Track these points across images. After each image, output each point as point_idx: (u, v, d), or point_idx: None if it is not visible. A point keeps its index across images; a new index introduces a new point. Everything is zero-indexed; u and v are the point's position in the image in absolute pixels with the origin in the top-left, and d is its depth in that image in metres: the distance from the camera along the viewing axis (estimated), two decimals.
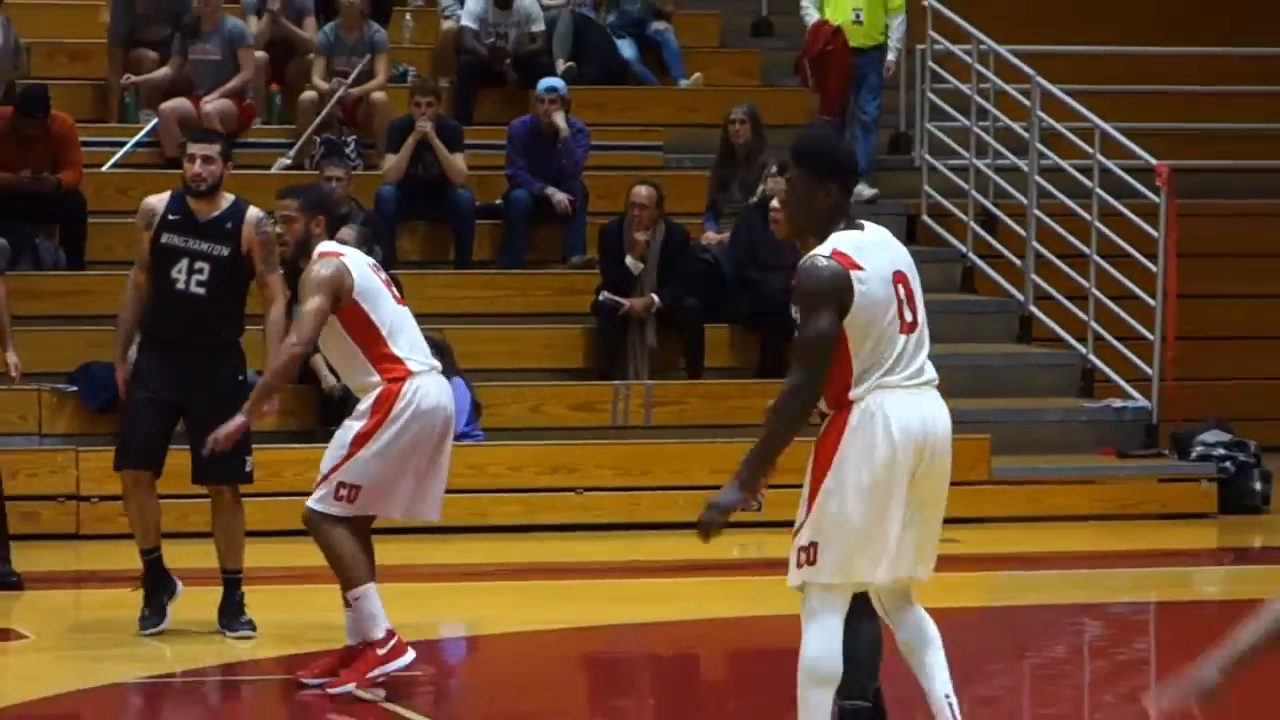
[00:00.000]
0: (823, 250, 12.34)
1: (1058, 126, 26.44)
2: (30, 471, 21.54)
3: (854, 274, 12.44)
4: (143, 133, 26.18)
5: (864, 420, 12.51)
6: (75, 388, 23.00)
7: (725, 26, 30.10)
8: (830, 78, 25.98)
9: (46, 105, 24.65)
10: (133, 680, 16.95)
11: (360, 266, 15.45)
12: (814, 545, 12.85)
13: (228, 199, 17.28)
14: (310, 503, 15.35)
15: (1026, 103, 26.56)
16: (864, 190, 26.77)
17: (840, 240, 12.45)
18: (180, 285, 17.07)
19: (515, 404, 21.81)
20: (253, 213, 17.20)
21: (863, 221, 12.41)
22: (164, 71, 26.43)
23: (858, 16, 26.04)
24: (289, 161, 26.11)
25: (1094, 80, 27.06)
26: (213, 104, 26.20)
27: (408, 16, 28.32)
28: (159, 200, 17.12)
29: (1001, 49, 27.09)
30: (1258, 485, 24.46)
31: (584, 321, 24.65)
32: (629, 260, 24.54)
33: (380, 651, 15.34)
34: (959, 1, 28.01)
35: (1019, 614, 19.71)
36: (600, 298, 24.29)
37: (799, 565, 12.87)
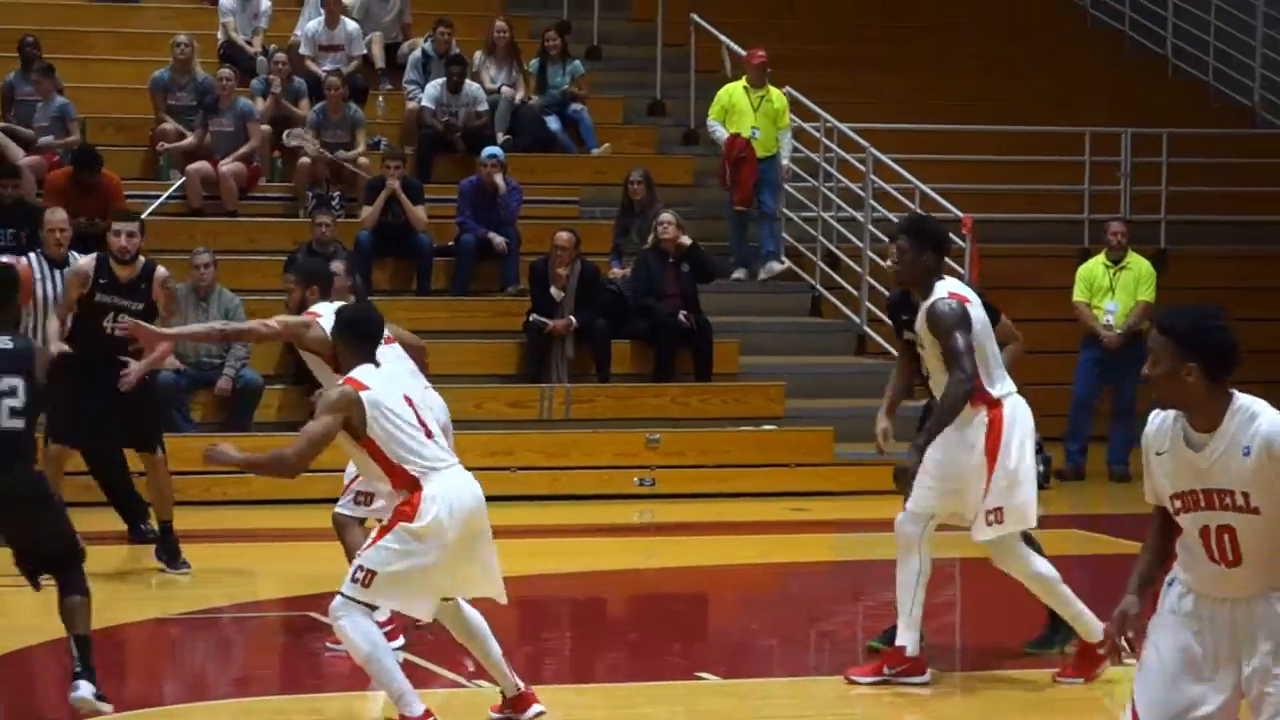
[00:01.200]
0: (943, 294, 14.06)
1: (886, 186, 26.48)
2: None
3: (968, 307, 14.29)
4: (173, 188, 26.10)
5: (1014, 412, 14.71)
6: None
7: (627, 108, 30.04)
8: (742, 178, 25.90)
9: (99, 164, 24.63)
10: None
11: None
12: (999, 509, 14.59)
13: (140, 262, 17.97)
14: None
15: (862, 168, 26.60)
16: (775, 266, 26.88)
17: (951, 285, 14.43)
18: (108, 332, 17.65)
19: (463, 402, 21.75)
20: (159, 272, 18.07)
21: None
22: (190, 140, 26.37)
23: (755, 134, 26.02)
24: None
25: (914, 151, 27.02)
26: (228, 166, 26.16)
27: (380, 99, 28.24)
28: (89, 263, 18.05)
29: (843, 126, 27.12)
30: (1040, 467, 24.56)
31: (517, 338, 24.66)
32: (553, 290, 24.58)
33: None
34: (813, 89, 28.03)
35: (857, 566, 19.75)
36: (530, 319, 24.31)
37: (989, 524, 14.61)
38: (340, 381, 13.59)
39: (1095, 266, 24.90)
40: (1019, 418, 15.04)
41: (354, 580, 12.65)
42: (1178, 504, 8.77)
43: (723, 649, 15.71)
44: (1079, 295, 24.78)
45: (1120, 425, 24.84)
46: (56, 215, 21.09)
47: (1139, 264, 25.09)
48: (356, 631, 12.60)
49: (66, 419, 18.04)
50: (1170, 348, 8.69)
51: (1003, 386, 15.00)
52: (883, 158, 26.65)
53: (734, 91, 26.57)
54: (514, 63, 28.79)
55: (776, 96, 26.66)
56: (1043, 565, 15.03)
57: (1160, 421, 8.89)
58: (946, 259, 14.84)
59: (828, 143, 27.20)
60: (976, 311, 14.50)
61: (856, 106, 27.56)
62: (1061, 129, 28.67)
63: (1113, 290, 24.77)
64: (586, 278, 25.00)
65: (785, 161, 26.72)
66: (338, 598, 12.50)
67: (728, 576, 20.50)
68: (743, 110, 26.18)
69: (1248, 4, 31.92)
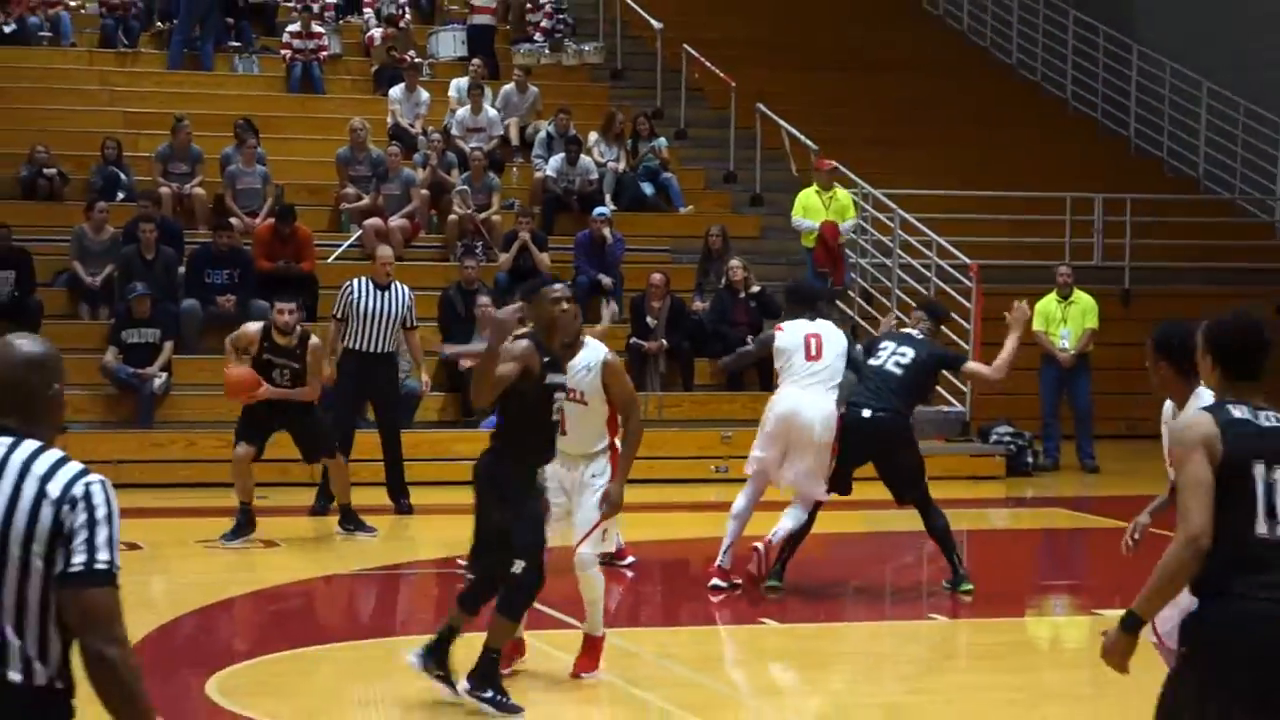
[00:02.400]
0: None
1: (910, 239, 26.39)
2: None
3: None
4: (351, 239, 26.11)
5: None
6: None
7: (707, 177, 29.94)
8: (838, 258, 25.76)
9: (294, 218, 24.66)
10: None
11: None
12: None
13: (298, 331, 18.35)
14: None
15: (890, 224, 26.53)
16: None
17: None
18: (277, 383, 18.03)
19: None
20: (313, 341, 18.53)
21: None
22: (365, 201, 26.35)
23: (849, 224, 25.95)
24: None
25: (932, 211, 26.90)
26: (395, 221, 26.13)
27: (514, 169, 28.20)
28: (255, 329, 18.42)
29: (877, 192, 27.00)
30: (1029, 458, 24.55)
31: (621, 356, 24.58)
32: (648, 319, 24.53)
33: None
34: (854, 162, 27.91)
35: (879, 537, 19.70)
36: (630, 341, 24.25)
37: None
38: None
39: (1049, 302, 24.89)
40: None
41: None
42: None
43: (780, 601, 15.62)
44: (1037, 325, 24.67)
45: (1081, 427, 24.94)
46: (384, 252, 21.47)
47: (1083, 299, 25.16)
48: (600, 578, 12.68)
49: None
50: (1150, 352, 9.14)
51: None
52: (907, 216, 26.57)
53: (808, 195, 26.22)
54: (619, 141, 28.77)
55: (842, 195, 26.32)
56: None
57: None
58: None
59: (863, 205, 27.09)
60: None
61: (887, 175, 27.43)
62: (1047, 194, 28.56)
63: (1064, 320, 24.82)
64: (674, 309, 24.96)
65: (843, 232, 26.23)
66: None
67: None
68: (816, 209, 25.88)
69: (1195, 96, 31.72)
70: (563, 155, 27.96)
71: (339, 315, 20.02)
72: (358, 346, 19.88)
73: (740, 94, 30.01)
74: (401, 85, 29.05)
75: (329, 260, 25.36)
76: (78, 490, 5.72)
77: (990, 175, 29.13)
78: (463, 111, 28.61)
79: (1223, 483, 7.01)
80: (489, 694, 11.35)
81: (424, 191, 26.80)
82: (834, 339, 16.03)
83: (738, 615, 16.22)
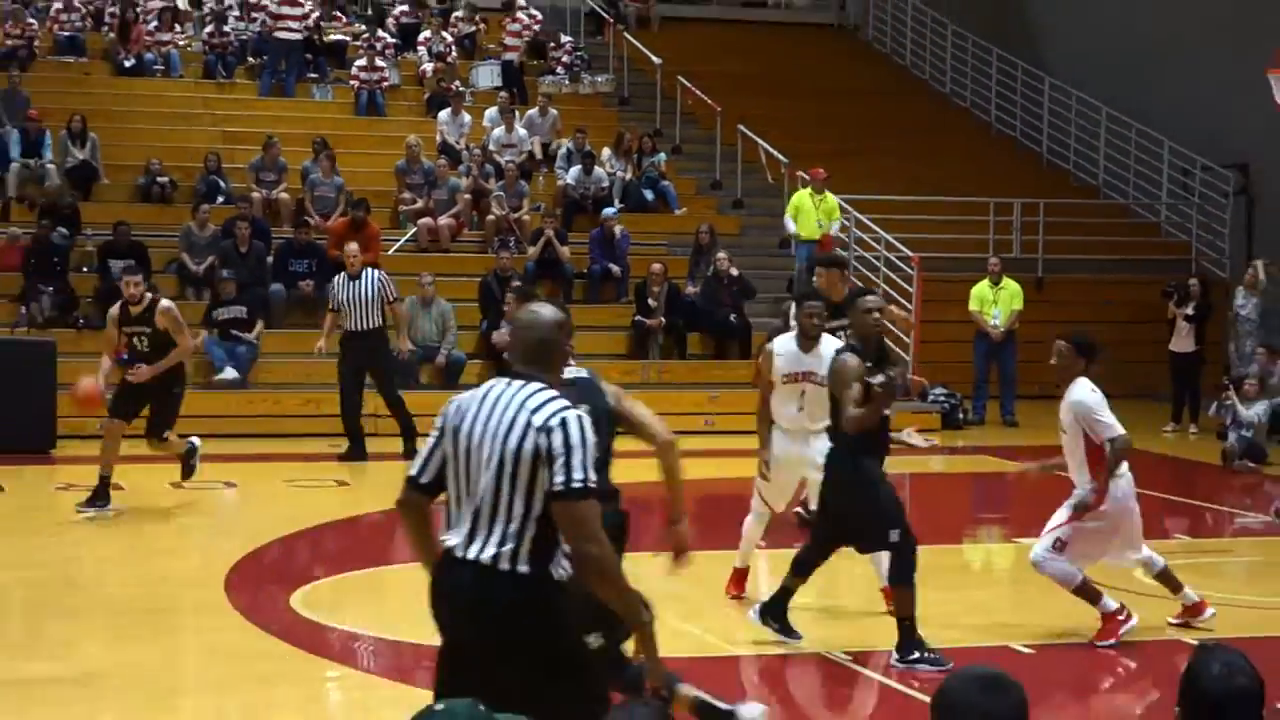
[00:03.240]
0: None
1: (863, 235, 26.41)
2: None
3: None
4: (408, 235, 26.12)
5: None
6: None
7: (697, 184, 29.91)
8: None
9: (368, 210, 24.66)
10: None
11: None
12: None
13: (147, 298, 16.44)
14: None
15: (848, 224, 26.57)
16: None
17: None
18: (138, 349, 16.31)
19: None
20: (163, 304, 16.50)
21: None
22: (419, 204, 26.35)
23: (819, 224, 25.81)
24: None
25: (883, 212, 26.83)
26: (443, 220, 26.17)
27: (540, 178, 28.17)
28: (114, 312, 16.57)
29: (835, 197, 26.96)
30: (960, 415, 24.55)
31: (626, 331, 24.59)
32: (649, 300, 24.55)
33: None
34: (811, 169, 27.89)
35: None
36: (635, 319, 24.32)
37: None
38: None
39: (983, 287, 25.04)
40: None
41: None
42: None
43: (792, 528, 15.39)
44: (973, 306, 24.97)
45: (1006, 389, 24.97)
46: (350, 248, 20.85)
47: (1011, 285, 25.26)
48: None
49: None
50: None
51: None
52: (861, 217, 26.56)
53: (802, 197, 26.08)
54: (626, 156, 28.76)
55: (830, 199, 26.19)
56: None
57: None
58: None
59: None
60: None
61: (843, 183, 27.26)
62: (975, 199, 28.53)
63: (996, 302, 24.87)
64: (671, 293, 24.98)
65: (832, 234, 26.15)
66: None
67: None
68: (808, 210, 25.79)
69: (1095, 119, 31.67)
70: (580, 167, 27.96)
71: (333, 307, 20.24)
72: (348, 328, 20.20)
73: (725, 117, 29.98)
74: (448, 110, 29.04)
75: (389, 252, 25.32)
76: (554, 421, 6.17)
77: (928, 184, 29.09)
78: (498, 131, 28.58)
79: None
80: (916, 656, 10.82)
81: (467, 196, 26.78)
82: None
83: (703, 540, 16.15)
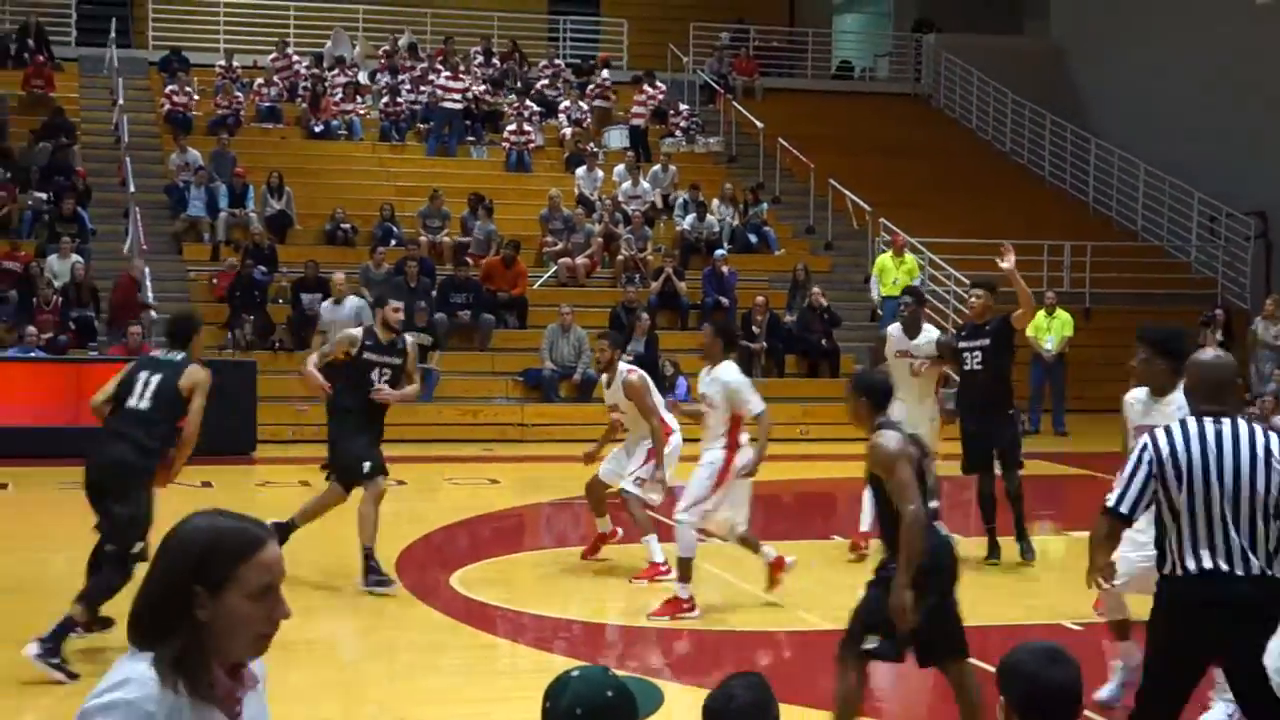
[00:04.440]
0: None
1: (935, 273, 26.19)
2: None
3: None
4: (549, 272, 26.16)
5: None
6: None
7: (794, 229, 29.82)
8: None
9: (518, 251, 24.78)
10: None
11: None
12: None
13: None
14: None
15: (922, 262, 26.40)
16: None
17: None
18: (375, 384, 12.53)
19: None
20: (410, 340, 13.22)
21: None
22: (560, 246, 26.41)
23: (895, 281, 24.95)
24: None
25: (951, 253, 26.62)
26: (580, 260, 26.22)
27: (661, 224, 28.17)
28: (356, 333, 12.80)
29: (912, 239, 26.79)
30: (1019, 426, 24.26)
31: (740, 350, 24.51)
32: (754, 327, 24.49)
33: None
34: (891, 215, 27.69)
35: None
36: (741, 344, 24.16)
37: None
38: (622, 370, 12.81)
39: (1039, 317, 24.69)
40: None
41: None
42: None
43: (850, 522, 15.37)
44: (1030, 333, 24.54)
45: (1057, 405, 24.71)
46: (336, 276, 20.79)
47: (1063, 315, 24.93)
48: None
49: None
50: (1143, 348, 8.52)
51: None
52: (934, 256, 26.47)
53: (884, 260, 25.92)
54: (733, 205, 28.72)
55: (910, 259, 26.02)
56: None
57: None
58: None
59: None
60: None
61: (918, 228, 27.19)
62: (1031, 241, 28.23)
63: (1050, 330, 24.58)
64: (771, 321, 24.93)
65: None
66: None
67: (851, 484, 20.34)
68: (889, 271, 25.63)
69: (1134, 174, 31.38)
70: (694, 214, 27.94)
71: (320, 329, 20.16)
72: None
73: (817, 173, 29.88)
74: (584, 167, 29.11)
75: (535, 286, 25.46)
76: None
77: (990, 228, 28.72)
78: (626, 184, 28.59)
79: None
80: None
81: (599, 239, 26.83)
82: None
83: (800, 530, 16.02)
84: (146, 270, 23.63)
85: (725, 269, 26.05)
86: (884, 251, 26.40)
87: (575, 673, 4.06)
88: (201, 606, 3.34)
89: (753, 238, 28.34)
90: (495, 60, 33.73)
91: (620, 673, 4.12)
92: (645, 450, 12.94)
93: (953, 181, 31.92)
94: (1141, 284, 28.96)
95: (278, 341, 23.09)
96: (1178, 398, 10.00)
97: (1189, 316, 25.62)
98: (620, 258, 26.49)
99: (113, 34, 31.61)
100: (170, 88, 29.87)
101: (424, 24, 35.37)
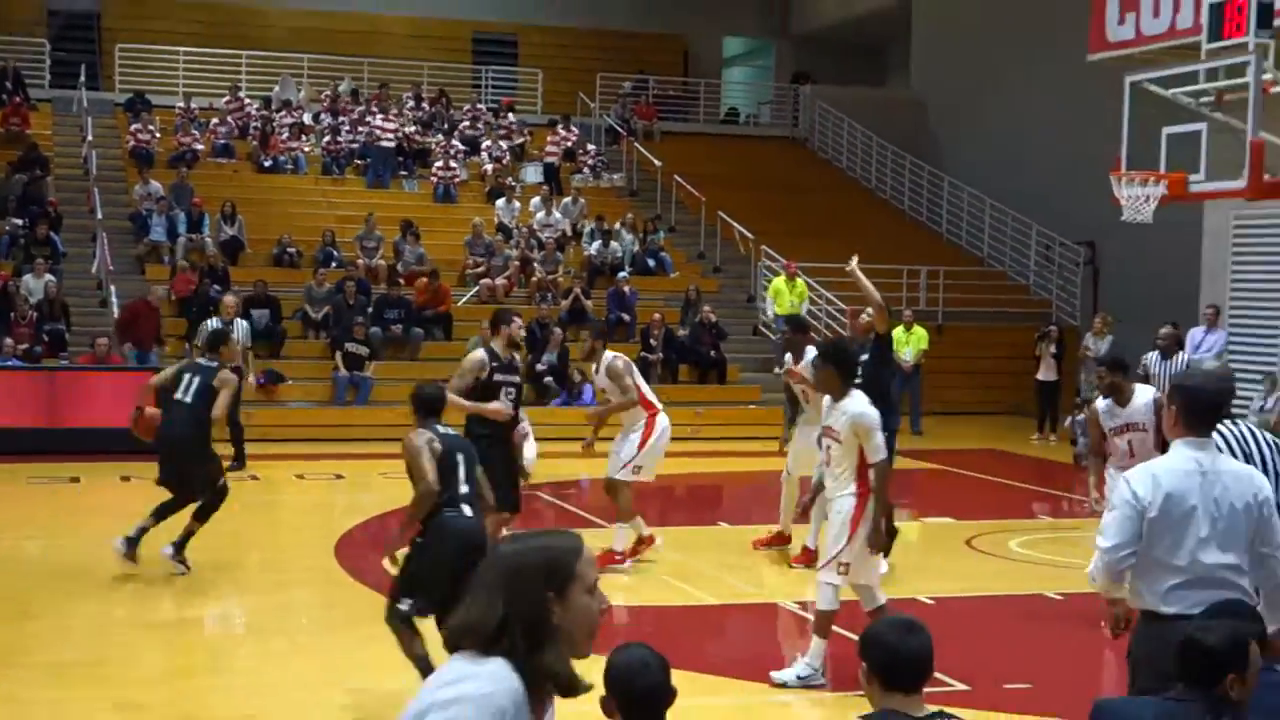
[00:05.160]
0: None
1: (811, 295, 26.33)
2: None
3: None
4: (471, 292, 25.94)
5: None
6: None
7: (687, 255, 29.82)
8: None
9: (439, 277, 24.43)
10: None
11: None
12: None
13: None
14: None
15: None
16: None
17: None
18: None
19: None
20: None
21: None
22: (481, 268, 26.16)
23: (793, 303, 25.42)
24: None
25: (825, 276, 26.78)
26: (499, 281, 26.06)
27: (571, 250, 27.95)
28: (481, 356, 11.19)
29: (785, 261, 26.91)
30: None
31: (635, 363, 24.41)
32: (651, 340, 24.43)
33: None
34: (777, 245, 27.83)
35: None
36: (640, 354, 23.93)
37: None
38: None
39: (899, 331, 24.75)
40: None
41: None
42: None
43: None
44: (893, 346, 24.72)
45: (915, 409, 24.68)
46: (227, 299, 20.22)
47: (919, 330, 25.03)
48: None
49: None
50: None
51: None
52: (809, 280, 26.57)
53: (778, 283, 26.06)
54: (635, 233, 28.76)
55: (799, 284, 26.09)
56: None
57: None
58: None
59: (770, 266, 27.12)
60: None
61: (797, 254, 27.30)
62: (894, 266, 28.51)
63: (908, 343, 24.69)
64: (667, 335, 24.94)
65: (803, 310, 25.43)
66: None
67: (736, 478, 20.33)
68: (783, 293, 25.78)
69: (981, 209, 31.72)
70: (600, 241, 27.95)
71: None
72: None
73: (707, 206, 29.96)
74: (504, 198, 29.02)
75: (459, 303, 25.33)
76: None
77: (860, 252, 28.99)
78: (540, 214, 28.57)
79: None
80: None
81: (516, 263, 26.75)
82: None
83: (694, 518, 16.03)
84: (113, 288, 23.56)
85: (627, 289, 26.07)
86: (778, 275, 26.51)
87: None
88: (556, 611, 3.35)
89: (651, 262, 28.36)
90: (425, 104, 33.61)
91: None
92: (638, 439, 12.64)
93: (825, 214, 32.10)
94: (987, 303, 29.28)
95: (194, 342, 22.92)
96: (1139, 401, 10.28)
97: (1028, 332, 26.02)
98: (535, 279, 26.43)
99: (82, 78, 31.33)
100: (134, 126, 29.68)
101: (361, 72, 35.22)
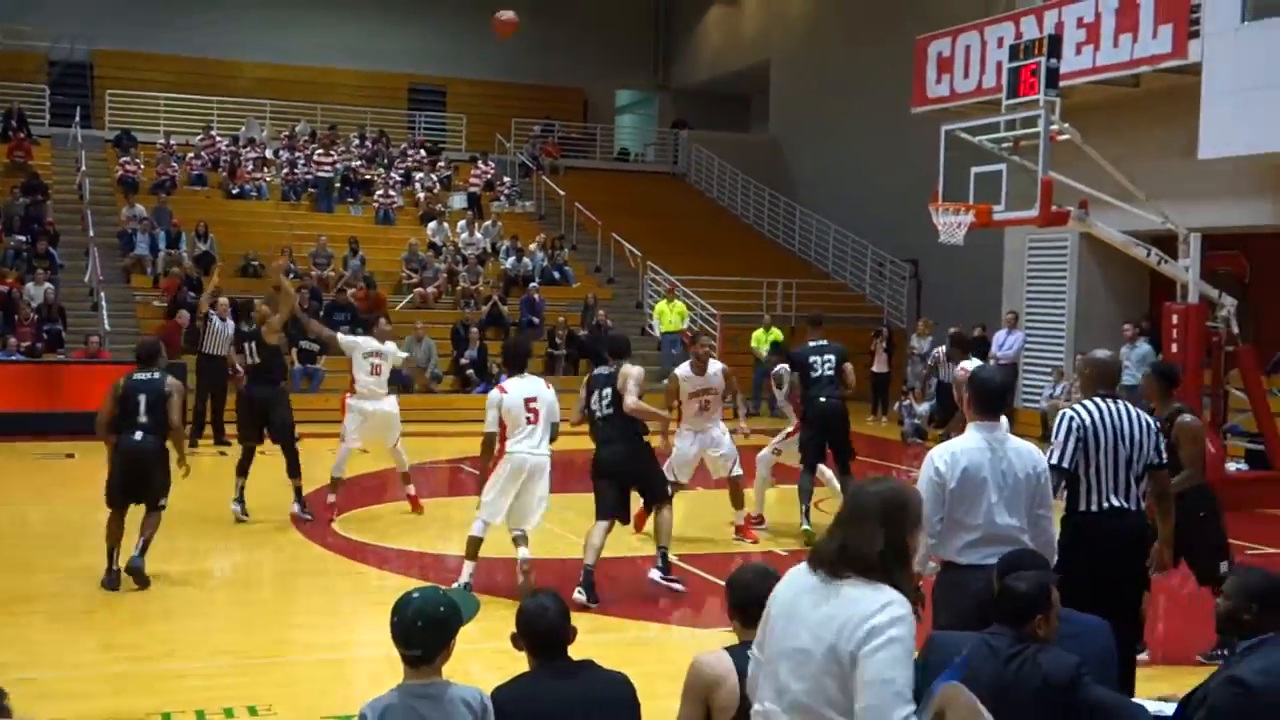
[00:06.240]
0: None
1: (687, 302, 26.36)
2: None
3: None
4: (406, 299, 25.69)
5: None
6: None
7: (585, 269, 29.74)
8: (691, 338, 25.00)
9: (375, 286, 24.20)
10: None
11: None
12: None
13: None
14: None
15: (676, 294, 26.55)
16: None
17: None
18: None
19: None
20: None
21: None
22: (415, 279, 25.97)
23: (676, 321, 25.30)
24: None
25: (698, 287, 26.86)
26: (430, 289, 25.84)
27: (490, 264, 27.74)
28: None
29: (671, 277, 26.92)
30: (746, 411, 24.40)
31: (543, 358, 24.19)
32: (556, 339, 24.27)
33: None
34: (657, 260, 27.86)
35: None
36: (548, 351, 23.83)
37: None
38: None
39: (760, 332, 25.01)
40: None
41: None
42: None
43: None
44: (753, 344, 24.85)
45: (771, 397, 24.61)
46: (221, 301, 19.61)
47: (775, 331, 25.07)
48: None
49: None
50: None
51: None
52: (687, 291, 26.61)
53: (662, 304, 25.92)
54: (544, 250, 28.67)
55: (678, 304, 25.95)
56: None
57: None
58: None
59: (663, 280, 27.12)
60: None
61: (674, 267, 27.44)
62: (753, 278, 28.75)
63: (766, 341, 24.81)
64: (569, 335, 24.84)
65: (684, 327, 25.37)
66: None
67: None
68: (666, 313, 25.69)
69: (826, 232, 31.97)
70: (514, 257, 27.82)
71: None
72: (207, 351, 18.65)
73: (603, 229, 29.96)
74: (435, 221, 28.86)
75: (398, 308, 25.03)
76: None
77: (727, 269, 29.27)
78: (465, 235, 28.40)
79: None
80: None
81: (445, 275, 26.60)
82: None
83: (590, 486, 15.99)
84: (103, 294, 23.17)
85: (537, 297, 26.00)
86: (660, 299, 26.48)
87: (415, 593, 4.10)
88: (911, 542, 3.49)
89: (556, 274, 28.28)
90: (368, 143, 33.31)
91: (449, 588, 4.18)
92: (724, 427, 12.19)
93: (699, 236, 32.21)
94: (831, 309, 29.22)
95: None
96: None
97: (864, 333, 26.23)
98: (460, 288, 26.30)
99: (78, 118, 31.04)
100: (123, 159, 29.30)
101: (315, 116, 34.87)
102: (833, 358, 12.54)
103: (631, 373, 9.95)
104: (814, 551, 3.55)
